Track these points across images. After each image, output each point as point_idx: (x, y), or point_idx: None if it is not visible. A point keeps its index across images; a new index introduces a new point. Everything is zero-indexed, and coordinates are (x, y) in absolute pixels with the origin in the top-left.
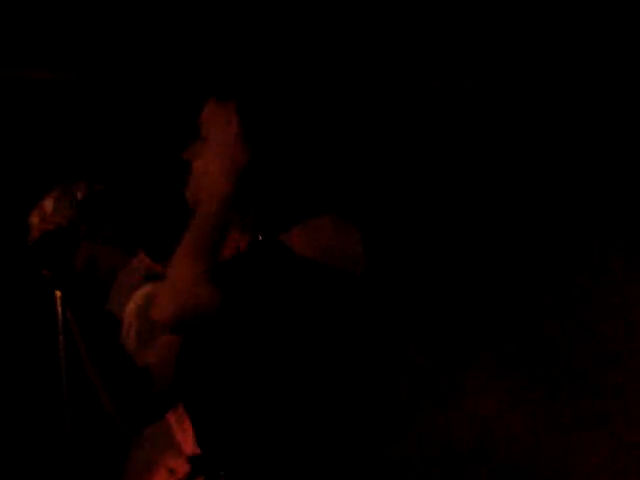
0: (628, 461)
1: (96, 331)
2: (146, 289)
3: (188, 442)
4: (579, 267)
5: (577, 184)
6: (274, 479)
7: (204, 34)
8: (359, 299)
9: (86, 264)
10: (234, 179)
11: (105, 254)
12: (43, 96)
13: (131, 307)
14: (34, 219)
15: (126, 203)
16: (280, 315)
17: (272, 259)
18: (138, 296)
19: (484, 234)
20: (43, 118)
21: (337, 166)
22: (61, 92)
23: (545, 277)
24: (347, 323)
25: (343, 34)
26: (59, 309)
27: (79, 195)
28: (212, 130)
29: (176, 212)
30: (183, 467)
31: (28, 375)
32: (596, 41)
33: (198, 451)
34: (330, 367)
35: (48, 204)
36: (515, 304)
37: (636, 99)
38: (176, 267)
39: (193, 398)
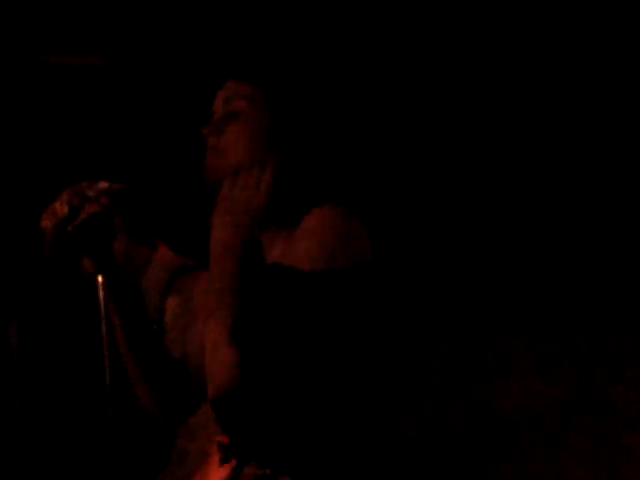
0: None
1: (135, 319)
2: (184, 283)
3: None
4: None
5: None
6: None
7: (214, 25)
8: (372, 291)
9: (123, 255)
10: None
11: (135, 247)
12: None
13: (175, 301)
14: (47, 222)
15: (144, 197)
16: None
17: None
18: (178, 290)
19: (520, 215)
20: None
21: (338, 158)
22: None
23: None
24: (367, 316)
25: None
26: (101, 294)
27: (90, 194)
28: (238, 105)
29: (193, 202)
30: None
31: (71, 363)
32: (596, 39)
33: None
34: (353, 360)
35: (60, 208)
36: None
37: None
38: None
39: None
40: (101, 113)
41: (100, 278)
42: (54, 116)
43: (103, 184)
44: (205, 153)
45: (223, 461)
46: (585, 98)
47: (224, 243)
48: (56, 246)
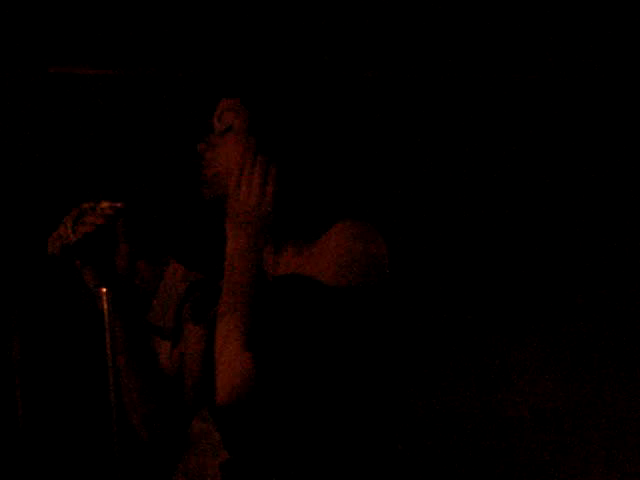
0: None
1: (137, 332)
2: (199, 296)
3: None
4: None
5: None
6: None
7: (212, 34)
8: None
9: (126, 269)
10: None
11: (140, 265)
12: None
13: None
14: (56, 245)
15: (150, 214)
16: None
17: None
18: (194, 303)
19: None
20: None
21: (346, 167)
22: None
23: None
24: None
25: (342, 31)
26: (105, 306)
27: (108, 211)
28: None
29: (199, 216)
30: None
31: (74, 376)
32: (596, 39)
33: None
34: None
35: (65, 232)
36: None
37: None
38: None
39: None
40: (108, 124)
41: (104, 289)
42: (60, 126)
43: (104, 204)
44: (201, 169)
45: None
46: (585, 98)
47: (240, 251)
48: (66, 264)
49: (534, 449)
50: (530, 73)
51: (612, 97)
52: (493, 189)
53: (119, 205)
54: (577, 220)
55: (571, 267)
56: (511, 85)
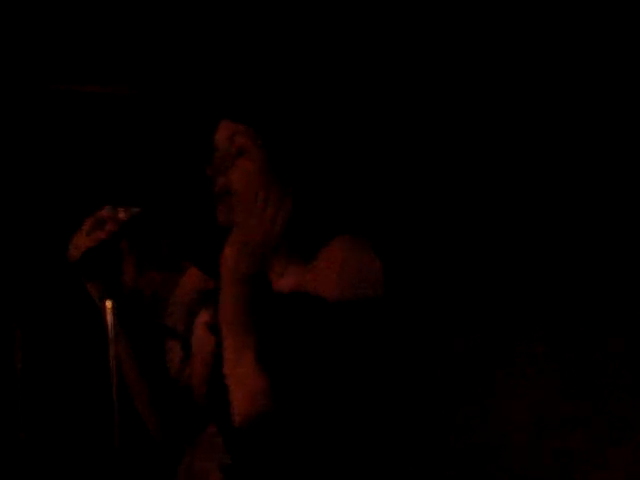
0: None
1: (144, 344)
2: (205, 316)
3: None
4: None
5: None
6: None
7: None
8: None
9: (134, 280)
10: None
11: (152, 272)
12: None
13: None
14: (73, 252)
15: (165, 221)
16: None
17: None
18: (209, 310)
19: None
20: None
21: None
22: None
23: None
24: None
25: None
26: (109, 319)
27: (111, 226)
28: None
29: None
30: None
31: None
32: (596, 39)
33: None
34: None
35: (81, 240)
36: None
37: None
38: (236, 366)
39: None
40: (109, 142)
41: (109, 303)
42: (61, 144)
43: (122, 213)
44: (213, 193)
45: None
46: (585, 98)
47: (237, 273)
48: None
49: (533, 453)
50: (530, 75)
51: (612, 97)
52: (494, 187)
53: (136, 211)
54: (578, 221)
55: (567, 267)
56: (512, 84)
